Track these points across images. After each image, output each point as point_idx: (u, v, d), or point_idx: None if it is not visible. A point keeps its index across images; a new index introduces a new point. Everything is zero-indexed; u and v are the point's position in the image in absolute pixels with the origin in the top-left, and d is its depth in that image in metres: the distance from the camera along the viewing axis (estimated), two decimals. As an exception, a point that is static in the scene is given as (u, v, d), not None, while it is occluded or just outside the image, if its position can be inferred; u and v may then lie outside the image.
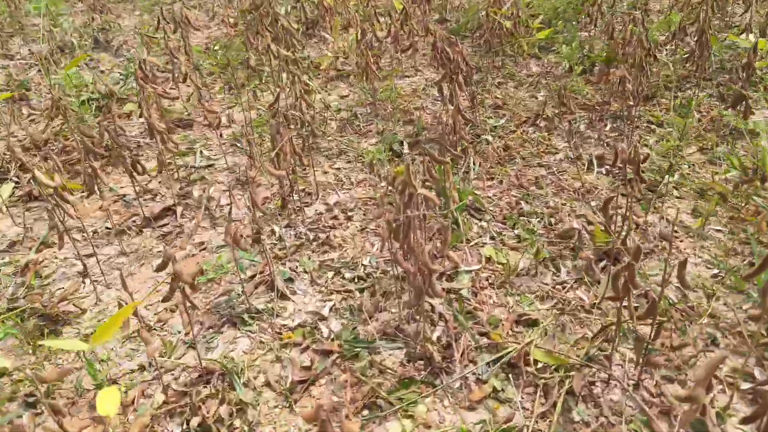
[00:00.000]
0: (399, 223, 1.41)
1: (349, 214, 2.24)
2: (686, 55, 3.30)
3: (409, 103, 3.24)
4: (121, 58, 4.44)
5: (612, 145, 2.69)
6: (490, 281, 1.85)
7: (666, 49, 3.66)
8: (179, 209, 2.34)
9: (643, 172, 1.83)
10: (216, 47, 3.99)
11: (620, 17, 3.90)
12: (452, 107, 2.11)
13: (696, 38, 3.09)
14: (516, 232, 2.11)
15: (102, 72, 4.24)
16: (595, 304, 1.71)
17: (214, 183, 2.54)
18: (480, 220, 2.19)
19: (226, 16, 3.67)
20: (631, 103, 2.29)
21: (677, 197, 2.27)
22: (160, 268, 1.38)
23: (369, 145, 2.85)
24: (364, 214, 2.26)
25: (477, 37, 4.14)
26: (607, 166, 2.51)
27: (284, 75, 2.91)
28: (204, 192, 2.42)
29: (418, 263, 1.36)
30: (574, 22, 3.34)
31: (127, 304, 1.42)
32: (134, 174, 2.20)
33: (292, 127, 2.40)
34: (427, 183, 1.76)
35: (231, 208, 1.65)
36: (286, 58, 2.63)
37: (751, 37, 3.09)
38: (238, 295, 1.85)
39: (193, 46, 4.28)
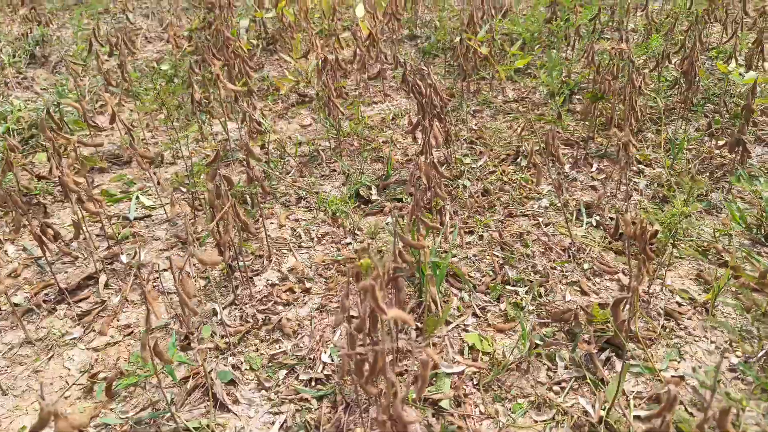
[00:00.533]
0: (362, 357, 1.05)
1: (307, 285, 1.86)
2: (671, 85, 3.03)
3: (377, 136, 2.87)
4: (60, 74, 3.93)
5: (601, 189, 2.39)
6: (474, 381, 1.50)
7: (644, 73, 3.39)
8: (103, 278, 1.92)
9: (652, 246, 1.52)
10: (163, 67, 3.53)
11: (598, 39, 3.62)
12: (426, 161, 1.75)
13: (681, 68, 2.82)
14: (502, 306, 1.77)
15: (36, 93, 3.73)
16: (602, 418, 1.38)
17: (149, 241, 2.12)
18: (460, 290, 1.84)
19: (173, 35, 3.22)
20: (625, 162, 1.97)
21: (677, 256, 1.97)
22: (35, 428, 0.98)
23: (333, 188, 2.47)
24: (325, 282, 1.89)
25: (450, 56, 3.81)
26: (597, 217, 2.20)
27: (238, 105, 2.51)
28: (134, 256, 2.00)
29: (388, 411, 1.00)
30: (554, 50, 3.03)
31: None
32: (44, 240, 1.77)
33: (241, 175, 2.01)
34: (398, 269, 1.40)
35: (149, 315, 1.25)
36: (235, 94, 2.23)
37: (732, 64, 2.83)
38: (166, 407, 1.45)
39: (139, 64, 3.80)
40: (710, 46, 3.74)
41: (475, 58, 3.11)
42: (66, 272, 1.99)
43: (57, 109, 2.70)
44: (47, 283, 1.93)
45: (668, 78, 3.16)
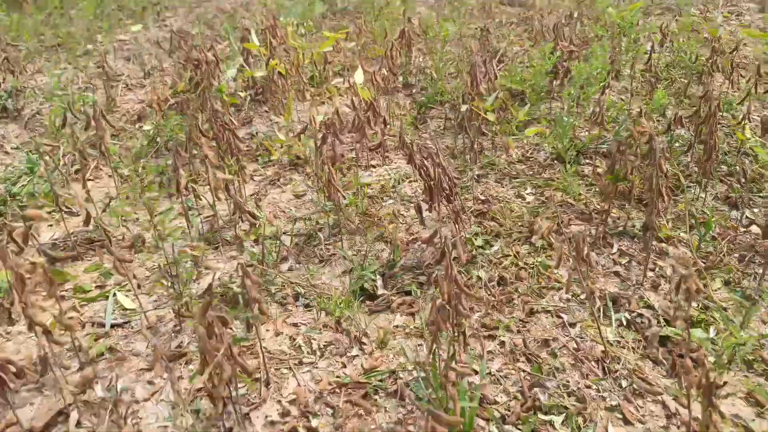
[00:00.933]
0: None
1: (313, 422, 1.59)
2: (684, 149, 2.85)
3: (378, 209, 2.63)
4: (34, 132, 3.61)
5: (625, 275, 2.17)
6: None
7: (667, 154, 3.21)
8: (74, 416, 1.63)
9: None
10: (145, 127, 3.25)
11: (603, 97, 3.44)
12: (447, 277, 1.51)
13: (697, 136, 2.64)
14: (537, 445, 1.53)
15: (7, 153, 3.42)
16: None
17: (127, 358, 1.83)
18: (488, 421, 1.59)
19: (155, 99, 2.96)
20: (686, 299, 1.74)
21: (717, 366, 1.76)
22: None
23: (333, 276, 2.21)
24: (332, 415, 1.62)
25: (448, 109, 3.60)
26: (627, 315, 1.98)
27: (229, 194, 2.25)
28: (111, 383, 1.72)
29: None
30: (565, 117, 2.82)
31: None
32: (6, 380, 1.48)
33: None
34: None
35: None
36: (225, 183, 1.97)
37: (747, 131, 2.65)
38: None
39: (118, 120, 3.47)
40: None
41: (478, 121, 2.90)
42: (32, 403, 1.69)
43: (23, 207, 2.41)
44: (9, 423, 1.63)
45: (679, 139, 2.98)
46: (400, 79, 4.08)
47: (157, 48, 5.13)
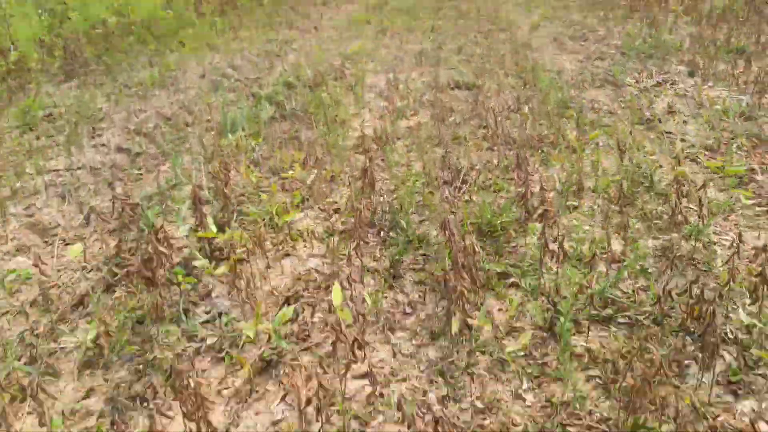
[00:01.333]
0: None
1: None
2: (677, 328, 2.71)
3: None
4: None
5: None
6: None
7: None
8: None
9: None
10: (89, 336, 2.79)
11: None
12: None
13: (690, 314, 2.51)
14: None
15: None
16: None
17: None
18: None
19: (104, 333, 2.53)
20: None
21: None
22: None
23: None
24: None
25: (424, 262, 3.36)
26: None
27: None
28: None
29: None
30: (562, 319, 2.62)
31: None
32: None
33: None
34: None
35: None
36: None
37: (743, 314, 2.54)
38: None
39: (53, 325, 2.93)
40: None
41: (463, 302, 2.66)
42: None
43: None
44: None
45: (673, 314, 2.85)
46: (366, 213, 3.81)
47: (95, 177, 4.65)
